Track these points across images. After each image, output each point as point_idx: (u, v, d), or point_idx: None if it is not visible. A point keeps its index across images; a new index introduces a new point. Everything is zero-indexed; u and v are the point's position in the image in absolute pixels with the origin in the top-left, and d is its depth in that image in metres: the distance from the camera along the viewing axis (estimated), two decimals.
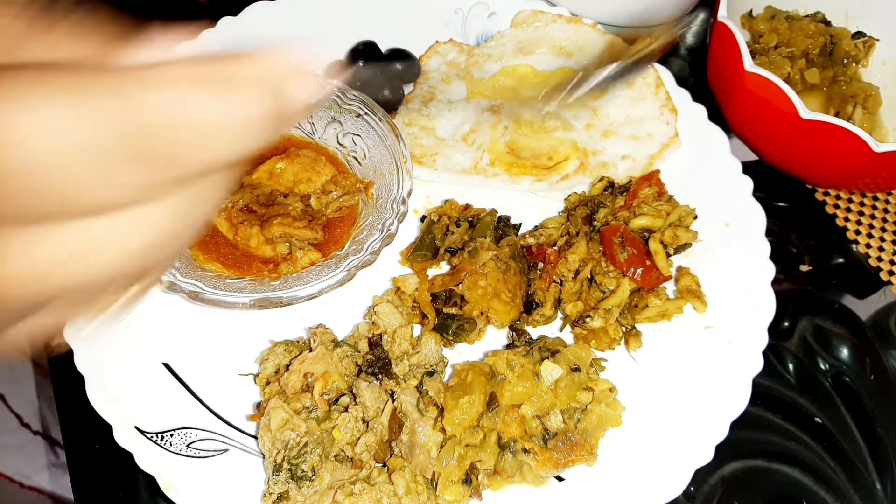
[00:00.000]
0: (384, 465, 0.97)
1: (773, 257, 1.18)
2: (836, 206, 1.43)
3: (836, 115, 1.37)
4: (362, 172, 1.22)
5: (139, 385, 1.03)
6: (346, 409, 0.98)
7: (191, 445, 0.99)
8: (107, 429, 0.97)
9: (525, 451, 0.96)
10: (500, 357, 1.01)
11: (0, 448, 1.61)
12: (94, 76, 0.41)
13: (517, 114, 1.31)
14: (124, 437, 0.97)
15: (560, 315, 1.16)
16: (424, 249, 1.17)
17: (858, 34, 1.45)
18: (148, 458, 0.96)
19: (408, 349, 1.05)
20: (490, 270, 1.10)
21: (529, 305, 1.13)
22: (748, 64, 1.22)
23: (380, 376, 1.01)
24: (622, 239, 1.12)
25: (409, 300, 1.12)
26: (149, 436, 0.98)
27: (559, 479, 1.00)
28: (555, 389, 1.00)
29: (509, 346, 1.11)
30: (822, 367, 1.21)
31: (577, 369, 1.01)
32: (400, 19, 1.44)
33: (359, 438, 0.97)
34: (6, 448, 1.60)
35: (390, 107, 1.32)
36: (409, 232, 1.22)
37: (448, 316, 1.10)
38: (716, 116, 1.35)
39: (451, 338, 1.09)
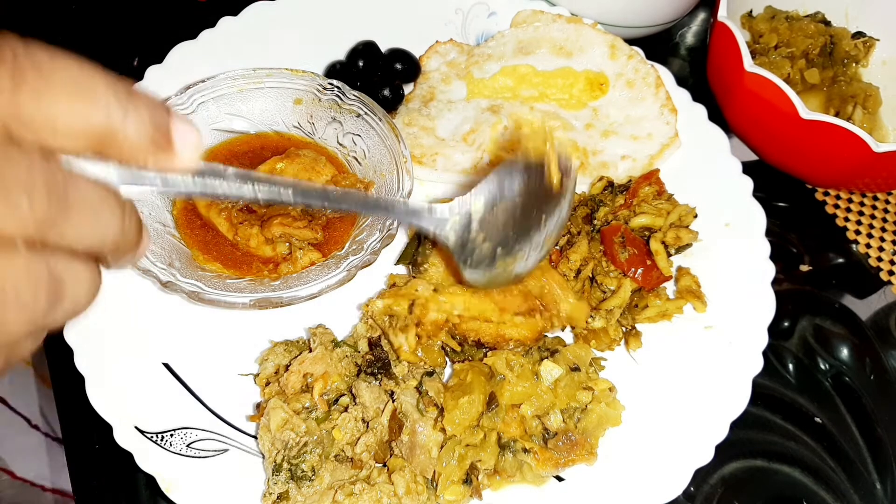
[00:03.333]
0: (384, 465, 0.97)
1: (773, 257, 1.18)
2: (836, 206, 1.43)
3: (836, 115, 1.37)
4: (362, 172, 1.22)
5: (139, 385, 1.03)
6: (345, 410, 0.98)
7: (191, 445, 0.99)
8: (107, 429, 0.97)
9: (525, 450, 0.96)
10: (500, 357, 1.01)
11: (16, 452, 1.60)
12: None
13: None
14: (124, 437, 0.97)
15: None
16: (406, 259, 1.16)
17: (858, 34, 1.45)
18: (148, 458, 0.96)
19: None
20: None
21: None
22: (748, 64, 1.22)
23: (379, 376, 1.01)
24: (623, 239, 1.12)
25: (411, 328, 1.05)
26: (149, 436, 0.98)
27: (559, 478, 1.00)
28: (554, 389, 0.99)
29: None
30: (822, 367, 1.21)
31: (576, 369, 1.01)
32: (400, 19, 1.44)
33: (359, 438, 0.97)
34: (22, 451, 1.59)
35: (390, 107, 1.32)
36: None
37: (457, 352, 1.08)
38: (716, 116, 1.35)
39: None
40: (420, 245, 1.13)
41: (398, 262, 1.18)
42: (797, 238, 1.37)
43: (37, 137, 0.48)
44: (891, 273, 1.35)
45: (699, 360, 1.11)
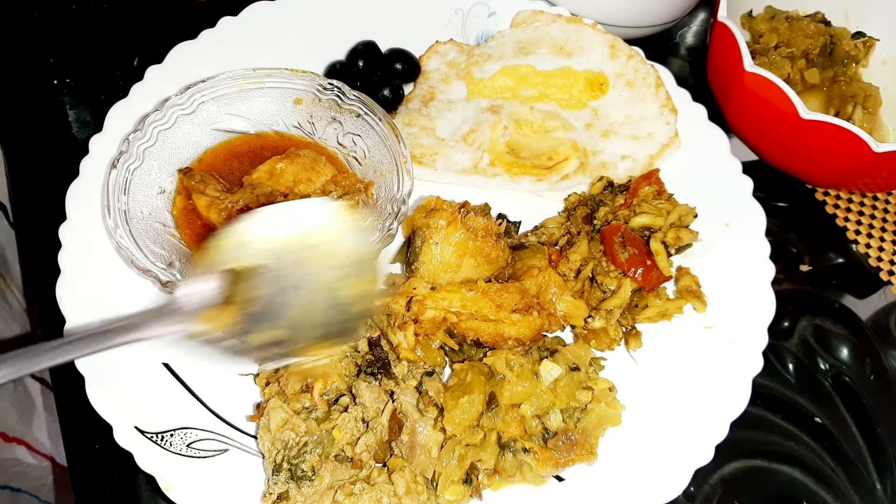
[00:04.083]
0: (384, 465, 0.97)
1: (773, 257, 1.18)
2: (836, 206, 1.43)
3: (836, 115, 1.37)
4: (362, 172, 1.22)
5: (139, 385, 1.03)
6: (345, 410, 0.98)
7: (191, 445, 0.99)
8: (107, 429, 0.97)
9: (525, 450, 0.96)
10: (500, 357, 1.01)
11: (57, 436, 1.60)
12: None
13: None
14: (124, 437, 0.96)
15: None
16: (401, 258, 1.18)
17: (858, 34, 1.45)
18: (148, 458, 0.96)
19: None
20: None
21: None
22: (748, 64, 1.22)
23: (379, 376, 1.01)
24: (623, 238, 1.12)
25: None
26: (149, 436, 0.98)
27: (559, 478, 1.00)
28: (554, 389, 1.00)
29: None
30: (822, 367, 1.21)
31: (576, 368, 1.01)
32: (400, 19, 1.44)
33: (359, 438, 0.97)
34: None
35: (390, 107, 1.32)
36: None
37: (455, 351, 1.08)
38: (716, 116, 1.35)
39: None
40: (411, 244, 1.14)
41: (393, 261, 1.18)
42: (797, 238, 1.37)
43: None
44: (891, 273, 1.35)
45: (699, 360, 1.11)
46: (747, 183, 1.26)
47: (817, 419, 1.15)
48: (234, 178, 1.22)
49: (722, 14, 1.28)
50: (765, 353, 1.09)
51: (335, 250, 0.87)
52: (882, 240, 1.39)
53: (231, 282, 0.84)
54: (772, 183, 1.38)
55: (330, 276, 0.86)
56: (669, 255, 1.14)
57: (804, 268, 1.32)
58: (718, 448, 1.02)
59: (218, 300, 0.83)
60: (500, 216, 1.21)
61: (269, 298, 0.85)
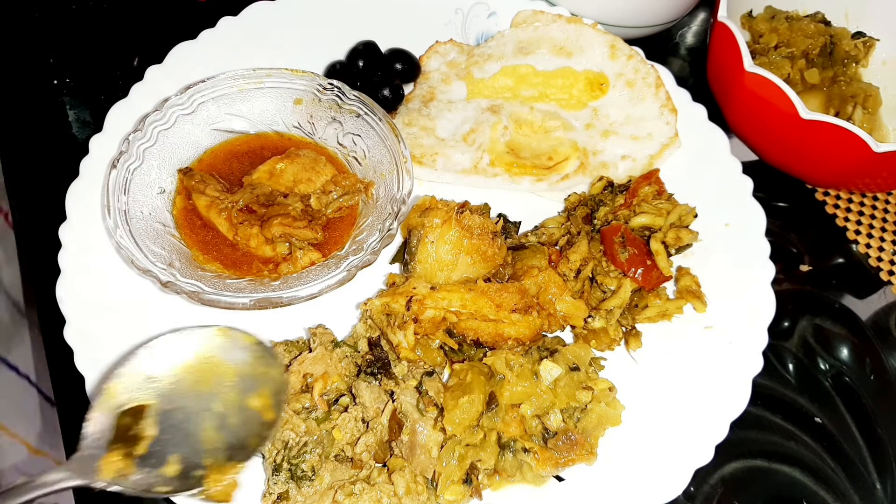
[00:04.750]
0: (384, 465, 0.97)
1: (773, 257, 1.18)
2: (836, 206, 1.43)
3: (836, 115, 1.37)
4: (362, 172, 1.22)
5: None
6: (345, 410, 0.98)
7: None
8: None
9: (525, 450, 0.96)
10: (499, 356, 1.01)
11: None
12: None
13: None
14: None
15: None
16: (399, 258, 1.18)
17: (858, 34, 1.45)
18: None
19: None
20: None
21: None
22: (748, 64, 1.22)
23: (379, 376, 1.01)
24: (623, 239, 1.12)
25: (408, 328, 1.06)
26: None
27: (559, 478, 1.00)
28: (554, 389, 0.99)
29: None
30: (822, 367, 1.21)
31: (576, 368, 1.01)
32: (400, 19, 1.44)
33: (359, 438, 0.97)
34: None
35: (390, 107, 1.32)
36: None
37: (454, 350, 1.08)
38: (716, 116, 1.35)
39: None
40: (408, 244, 1.14)
41: (392, 261, 1.18)
42: (797, 238, 1.37)
43: None
44: (891, 273, 1.35)
45: (699, 360, 1.11)
46: (747, 183, 1.26)
47: (817, 419, 1.15)
48: (234, 178, 1.22)
49: (722, 14, 1.28)
50: (765, 353, 1.10)
51: (224, 373, 0.95)
52: (882, 240, 1.39)
53: (131, 419, 0.89)
54: (772, 183, 1.38)
55: (226, 396, 0.94)
56: (669, 255, 1.14)
57: (804, 268, 1.32)
58: (718, 448, 1.02)
59: (119, 439, 0.88)
60: (500, 216, 1.21)
61: (172, 429, 0.90)
